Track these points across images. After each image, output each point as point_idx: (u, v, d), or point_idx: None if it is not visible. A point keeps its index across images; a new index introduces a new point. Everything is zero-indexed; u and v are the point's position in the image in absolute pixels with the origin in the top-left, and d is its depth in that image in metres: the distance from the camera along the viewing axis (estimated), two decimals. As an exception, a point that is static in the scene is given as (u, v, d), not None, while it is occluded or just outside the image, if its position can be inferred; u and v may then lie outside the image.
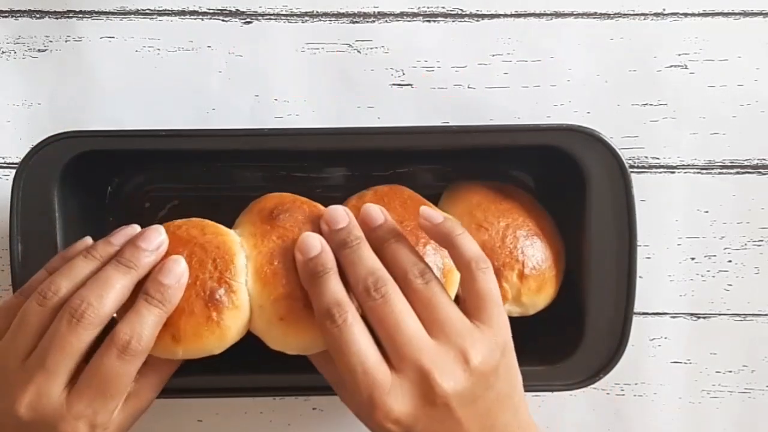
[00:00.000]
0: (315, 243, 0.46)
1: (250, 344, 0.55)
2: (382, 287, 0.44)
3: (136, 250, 0.45)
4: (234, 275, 0.46)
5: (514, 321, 0.53)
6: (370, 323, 0.44)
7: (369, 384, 0.42)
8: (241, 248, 0.47)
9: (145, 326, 0.43)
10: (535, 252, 0.52)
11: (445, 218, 0.47)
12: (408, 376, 0.43)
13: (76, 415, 0.42)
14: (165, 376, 0.48)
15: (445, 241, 0.47)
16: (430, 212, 0.48)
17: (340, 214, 0.47)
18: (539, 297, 0.53)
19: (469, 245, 0.46)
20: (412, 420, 0.43)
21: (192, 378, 0.53)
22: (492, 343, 0.44)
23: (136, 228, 0.46)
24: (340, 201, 0.50)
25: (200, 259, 0.46)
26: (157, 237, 0.45)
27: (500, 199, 0.54)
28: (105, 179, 0.58)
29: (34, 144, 0.51)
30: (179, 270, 0.44)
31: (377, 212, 0.47)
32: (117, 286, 0.43)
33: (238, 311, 0.46)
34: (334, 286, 0.44)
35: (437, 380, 0.42)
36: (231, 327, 0.45)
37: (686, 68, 0.59)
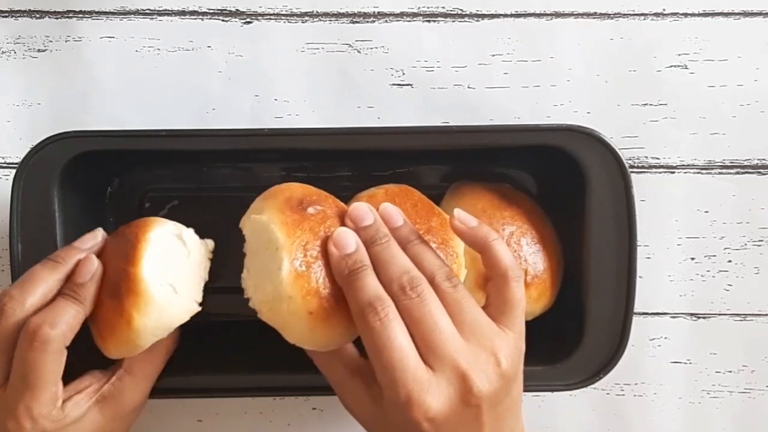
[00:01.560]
0: (351, 240, 0.46)
1: (250, 344, 0.56)
2: (418, 286, 0.44)
3: (70, 249, 0.47)
4: (136, 261, 0.46)
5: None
6: (406, 321, 0.44)
7: (409, 381, 0.42)
8: (275, 234, 0.46)
9: (58, 316, 0.45)
10: (537, 260, 0.53)
11: (480, 223, 0.48)
12: (446, 376, 0.43)
13: (11, 409, 0.45)
14: (144, 378, 0.49)
15: (481, 246, 0.47)
16: (465, 215, 0.48)
17: (366, 212, 0.47)
18: (537, 305, 0.53)
19: (505, 252, 0.47)
20: (444, 419, 0.43)
21: (192, 378, 0.53)
22: (517, 348, 0.45)
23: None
24: (341, 201, 0.50)
25: (115, 253, 0.47)
26: (93, 239, 0.48)
27: (504, 205, 0.54)
28: (105, 179, 0.58)
29: (34, 144, 0.51)
30: (91, 268, 0.46)
31: (397, 213, 0.48)
32: (40, 280, 0.46)
33: (139, 297, 0.45)
34: (374, 282, 0.45)
35: (475, 381, 0.43)
36: (134, 315, 0.45)
37: (686, 68, 0.59)
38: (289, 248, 0.45)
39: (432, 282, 0.45)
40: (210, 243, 0.51)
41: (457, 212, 0.48)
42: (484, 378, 0.43)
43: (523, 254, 0.53)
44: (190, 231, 0.50)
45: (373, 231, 0.46)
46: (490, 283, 0.47)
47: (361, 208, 0.47)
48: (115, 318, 0.45)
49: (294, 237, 0.46)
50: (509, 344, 0.45)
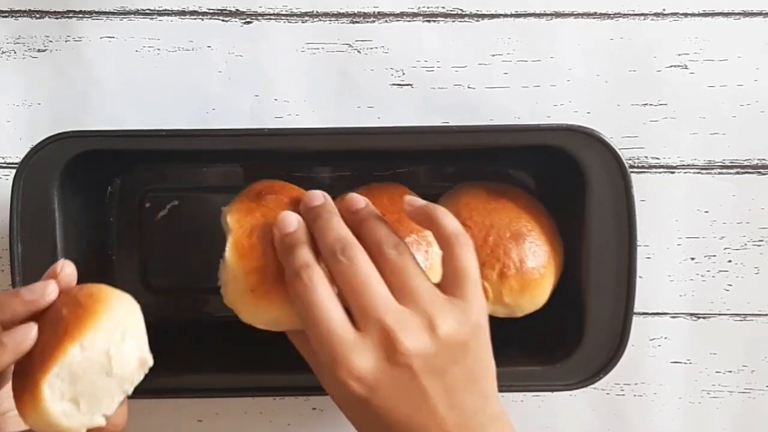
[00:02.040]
0: (292, 220, 0.47)
1: (250, 344, 0.56)
2: (349, 251, 0.45)
3: (12, 297, 0.42)
4: (46, 369, 0.41)
5: (511, 322, 0.54)
6: (338, 286, 0.45)
7: (334, 342, 0.43)
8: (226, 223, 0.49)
9: None
10: (519, 253, 0.52)
11: (427, 203, 0.48)
12: (371, 334, 0.43)
13: None
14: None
15: (427, 220, 0.47)
16: (412, 198, 0.49)
17: (317, 195, 0.48)
18: (523, 298, 0.53)
19: (450, 221, 0.47)
20: (374, 379, 0.43)
21: (192, 378, 0.53)
22: (463, 317, 0.44)
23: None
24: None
25: (52, 320, 0.43)
26: (40, 293, 0.43)
27: (492, 199, 0.54)
28: (105, 179, 0.58)
29: (34, 144, 0.51)
30: (29, 336, 0.41)
31: (359, 198, 0.48)
32: None
33: (35, 402, 0.41)
34: (304, 253, 0.45)
35: (399, 338, 0.43)
36: (27, 413, 0.42)
37: (686, 68, 0.59)
38: (236, 232, 0.48)
39: (378, 249, 0.45)
40: (148, 360, 0.44)
41: (406, 197, 0.49)
42: (413, 338, 0.43)
43: (503, 246, 0.52)
44: (128, 343, 0.43)
45: (319, 209, 0.47)
46: (442, 255, 0.47)
47: (314, 192, 0.49)
48: (17, 393, 0.42)
49: (243, 222, 0.49)
50: (455, 311, 0.44)
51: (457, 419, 0.43)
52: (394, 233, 0.46)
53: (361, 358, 0.43)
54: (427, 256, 0.50)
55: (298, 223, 0.47)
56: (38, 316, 0.43)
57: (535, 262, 0.53)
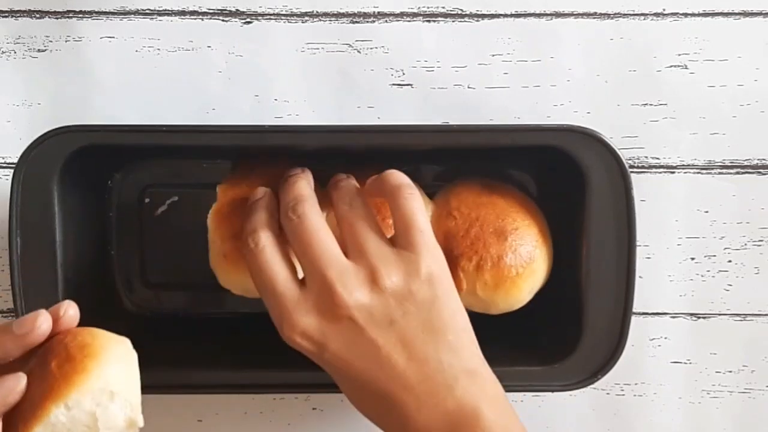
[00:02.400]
0: (260, 190, 0.49)
1: (250, 340, 0.56)
2: (299, 207, 0.45)
3: (2, 333, 0.40)
4: (30, 427, 0.39)
5: (511, 322, 0.54)
6: (292, 245, 0.45)
7: (276, 300, 0.44)
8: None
9: None
10: (498, 249, 0.52)
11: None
12: (312, 290, 0.44)
13: None
14: None
15: (376, 185, 0.48)
16: (372, 178, 0.49)
17: (296, 168, 0.50)
18: (497, 295, 0.52)
19: (396, 176, 0.47)
20: (320, 335, 0.43)
21: (191, 374, 0.53)
22: (410, 268, 0.44)
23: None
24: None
25: (38, 375, 0.40)
26: (33, 322, 0.40)
27: (484, 193, 0.54)
28: (105, 174, 0.58)
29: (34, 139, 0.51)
30: (16, 389, 0.40)
31: (343, 174, 0.50)
32: None
33: None
34: (256, 218, 0.46)
35: (338, 291, 0.43)
36: None
37: (686, 68, 0.59)
38: (219, 201, 0.51)
39: (335, 205, 0.46)
40: (138, 422, 0.42)
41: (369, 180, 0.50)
42: (351, 290, 0.43)
43: (483, 239, 0.52)
44: (117, 404, 0.41)
45: (293, 176, 0.49)
46: (390, 208, 0.47)
47: (295, 168, 0.50)
48: None
49: (227, 192, 0.51)
50: (398, 263, 0.44)
51: (419, 373, 0.43)
52: (358, 193, 0.47)
53: (303, 314, 0.43)
54: None
55: (264, 192, 0.48)
56: (30, 354, 0.41)
57: (514, 261, 0.52)
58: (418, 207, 0.46)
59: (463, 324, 0.46)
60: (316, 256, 0.44)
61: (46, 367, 0.40)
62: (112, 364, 0.41)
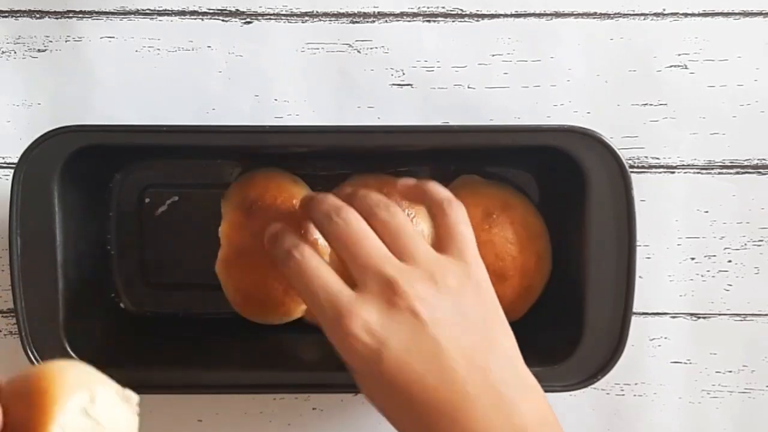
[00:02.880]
0: (275, 225, 0.49)
1: (250, 340, 0.56)
2: (343, 212, 0.45)
3: None
4: None
5: (511, 322, 0.54)
6: (335, 250, 0.46)
7: (333, 302, 0.43)
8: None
9: None
10: (498, 290, 0.51)
11: (421, 180, 0.49)
12: (370, 289, 0.43)
13: None
14: None
15: (419, 194, 0.48)
16: (407, 179, 0.50)
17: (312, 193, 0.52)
18: None
19: (439, 189, 0.48)
20: (381, 328, 0.41)
21: (191, 374, 0.53)
22: (463, 273, 0.44)
23: None
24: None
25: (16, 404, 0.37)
26: None
27: (478, 191, 0.55)
28: (105, 174, 0.58)
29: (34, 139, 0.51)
30: None
31: (348, 187, 0.51)
32: None
33: None
34: (289, 236, 0.47)
35: (399, 282, 0.42)
36: None
37: (686, 68, 0.59)
38: (224, 251, 0.53)
39: (371, 213, 0.46)
40: (134, 398, 0.40)
41: (400, 179, 0.50)
42: (414, 284, 0.42)
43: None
44: (107, 393, 0.39)
45: (312, 196, 0.49)
46: (434, 219, 0.47)
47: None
48: None
49: (231, 238, 0.53)
50: (455, 269, 0.44)
51: (483, 383, 0.41)
52: (390, 201, 0.47)
53: (363, 308, 0.42)
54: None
55: (281, 224, 0.48)
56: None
57: (515, 297, 0.54)
58: (466, 221, 0.46)
59: (511, 335, 0.45)
60: (369, 255, 0.43)
61: (20, 389, 0.36)
62: (68, 373, 0.38)
